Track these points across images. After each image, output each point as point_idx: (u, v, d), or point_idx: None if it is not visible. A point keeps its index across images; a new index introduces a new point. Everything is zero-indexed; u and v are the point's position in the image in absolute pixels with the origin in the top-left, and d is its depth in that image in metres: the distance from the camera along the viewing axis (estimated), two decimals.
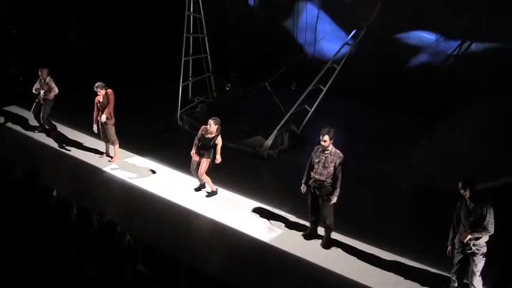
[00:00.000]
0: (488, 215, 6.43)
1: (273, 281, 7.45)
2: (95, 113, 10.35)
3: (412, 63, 12.84)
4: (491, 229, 6.45)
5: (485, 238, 6.52)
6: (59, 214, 6.68)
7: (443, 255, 6.98)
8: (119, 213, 8.75)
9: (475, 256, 6.59)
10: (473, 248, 6.56)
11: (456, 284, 6.88)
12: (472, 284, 6.68)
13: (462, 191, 6.53)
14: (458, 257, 6.78)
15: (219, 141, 9.14)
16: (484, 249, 6.57)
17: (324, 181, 7.79)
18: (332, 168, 7.73)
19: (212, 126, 9.06)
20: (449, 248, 6.88)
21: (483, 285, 6.74)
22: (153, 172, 10.31)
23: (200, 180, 9.49)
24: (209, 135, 9.13)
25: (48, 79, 11.39)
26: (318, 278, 7.49)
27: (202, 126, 9.25)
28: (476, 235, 6.50)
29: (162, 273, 6.20)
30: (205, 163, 9.18)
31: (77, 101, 12.05)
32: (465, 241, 6.57)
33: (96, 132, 10.55)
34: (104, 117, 10.19)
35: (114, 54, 14.53)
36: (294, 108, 11.21)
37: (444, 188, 8.60)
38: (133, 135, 11.25)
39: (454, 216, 6.79)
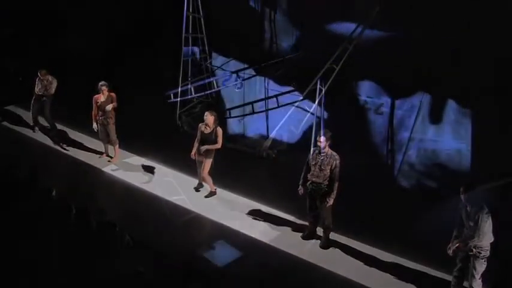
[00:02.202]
0: (482, 223, 6.36)
1: (272, 281, 7.45)
2: (94, 111, 10.37)
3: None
4: (480, 239, 6.40)
5: (488, 240, 6.47)
6: (58, 214, 6.70)
7: (444, 256, 6.93)
8: (119, 213, 8.75)
9: (476, 259, 6.54)
10: (474, 250, 6.51)
11: (456, 284, 6.85)
12: (472, 287, 6.64)
13: (462, 195, 6.50)
14: (460, 257, 6.74)
15: (219, 131, 9.05)
16: (486, 253, 6.51)
17: (321, 183, 7.80)
18: (328, 171, 7.72)
19: (209, 117, 8.98)
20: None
21: None
22: (153, 172, 10.33)
23: (201, 179, 9.51)
24: (208, 129, 9.09)
25: (50, 78, 11.42)
26: (316, 278, 7.49)
27: (200, 124, 9.21)
28: (467, 243, 6.48)
29: (161, 273, 6.21)
30: (207, 163, 9.18)
31: (76, 101, 12.06)
32: (452, 249, 6.58)
33: (95, 131, 10.56)
34: (109, 107, 10.16)
35: (113, 54, 14.52)
36: (293, 107, 11.21)
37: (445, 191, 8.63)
38: (132, 135, 11.24)
39: (457, 216, 6.73)
